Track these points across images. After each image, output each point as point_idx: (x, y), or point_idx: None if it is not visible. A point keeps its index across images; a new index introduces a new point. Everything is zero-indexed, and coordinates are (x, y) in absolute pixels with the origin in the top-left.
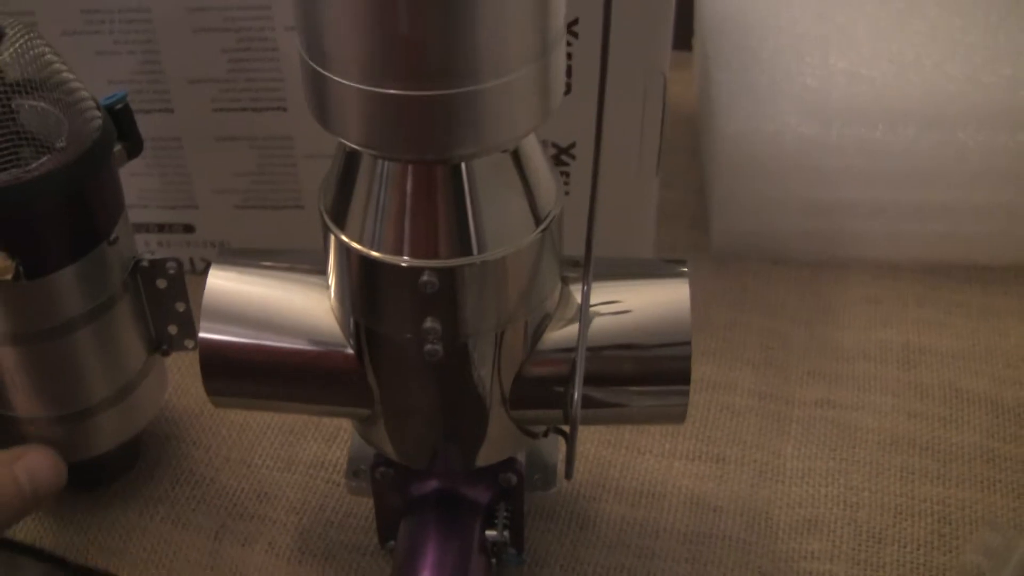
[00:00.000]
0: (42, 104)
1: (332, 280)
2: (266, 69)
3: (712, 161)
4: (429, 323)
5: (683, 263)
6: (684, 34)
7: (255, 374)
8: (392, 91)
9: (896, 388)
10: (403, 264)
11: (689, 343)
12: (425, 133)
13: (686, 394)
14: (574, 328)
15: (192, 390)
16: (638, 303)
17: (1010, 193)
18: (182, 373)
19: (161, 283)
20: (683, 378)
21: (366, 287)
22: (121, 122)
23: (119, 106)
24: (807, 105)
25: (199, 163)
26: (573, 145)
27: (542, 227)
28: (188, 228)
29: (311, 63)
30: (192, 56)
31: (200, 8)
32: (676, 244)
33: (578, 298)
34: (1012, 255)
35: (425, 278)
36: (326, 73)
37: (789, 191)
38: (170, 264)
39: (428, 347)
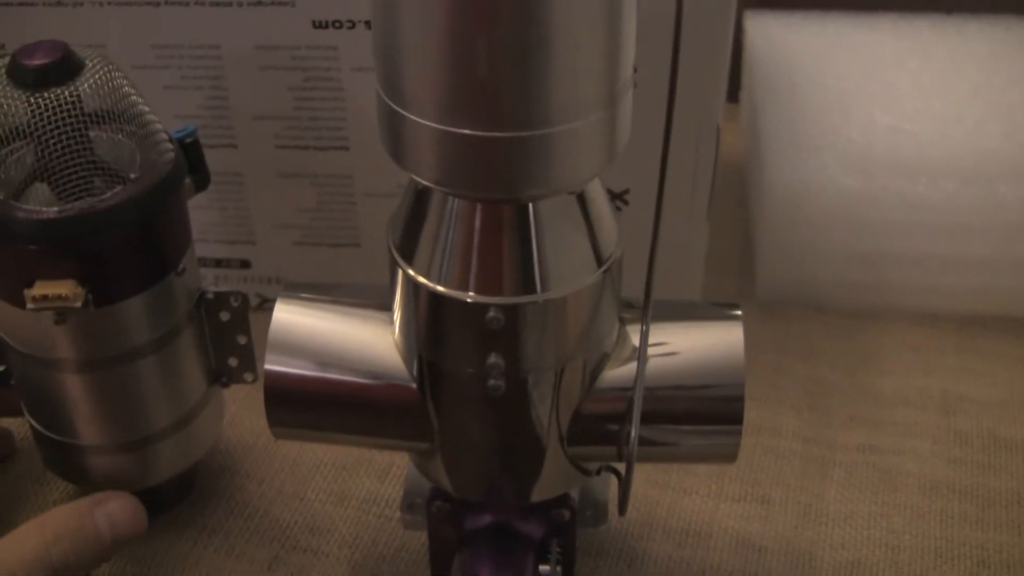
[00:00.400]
0: (117, 135)
1: (397, 314)
2: (330, 108)
3: (758, 210)
4: (493, 359)
5: (736, 307)
6: (732, 86)
7: (318, 406)
8: (467, 131)
9: (936, 434)
10: (468, 300)
11: (742, 384)
12: (496, 173)
13: (739, 434)
14: (631, 368)
15: (246, 423)
16: (693, 344)
17: None
18: (237, 405)
19: (224, 315)
20: (736, 418)
21: (431, 321)
22: (190, 155)
23: (189, 140)
24: (851, 158)
25: (259, 199)
26: (627, 191)
27: (603, 268)
28: (244, 263)
29: (388, 101)
30: (258, 93)
31: (269, 46)
32: (722, 290)
33: (635, 339)
34: None
35: (491, 314)
36: (403, 112)
37: (833, 241)
38: (234, 297)
39: (491, 382)
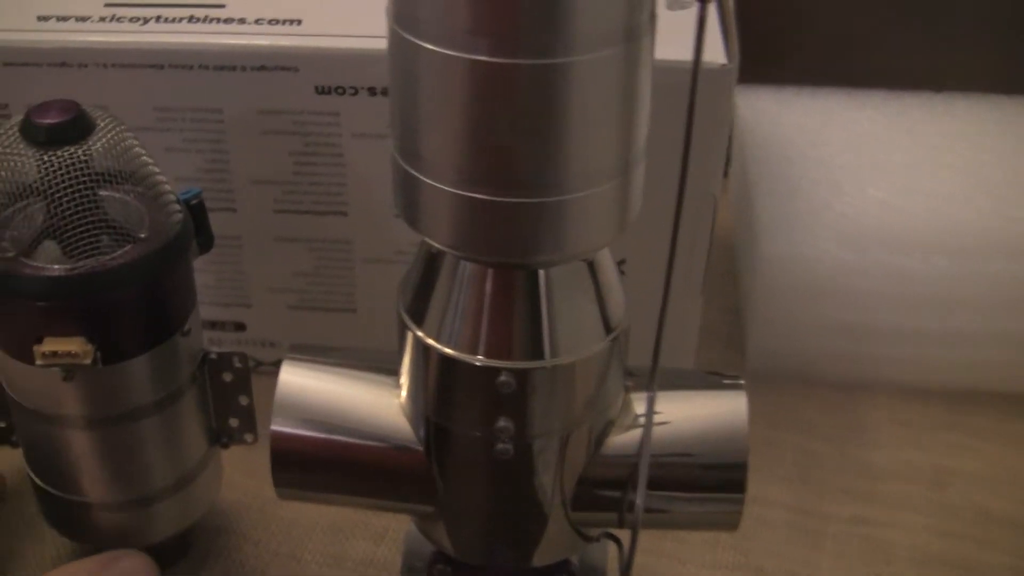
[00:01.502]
0: (127, 196)
1: (405, 377)
2: (330, 174)
3: (751, 282)
4: (502, 422)
5: (739, 377)
6: None
7: (324, 469)
8: (482, 196)
9: (927, 508)
10: (477, 363)
11: (746, 453)
12: (510, 238)
13: (741, 502)
14: (635, 434)
15: (242, 484)
16: (697, 413)
17: None
18: (232, 467)
19: (227, 376)
20: (739, 487)
21: (440, 384)
22: (196, 217)
23: (194, 201)
24: (843, 233)
25: (257, 262)
26: (623, 262)
27: (612, 336)
28: (240, 326)
29: (404, 165)
30: (259, 157)
31: (271, 111)
32: (711, 363)
33: (639, 406)
34: None
35: (503, 378)
36: (419, 175)
37: (824, 315)
38: (237, 358)
39: (499, 446)
